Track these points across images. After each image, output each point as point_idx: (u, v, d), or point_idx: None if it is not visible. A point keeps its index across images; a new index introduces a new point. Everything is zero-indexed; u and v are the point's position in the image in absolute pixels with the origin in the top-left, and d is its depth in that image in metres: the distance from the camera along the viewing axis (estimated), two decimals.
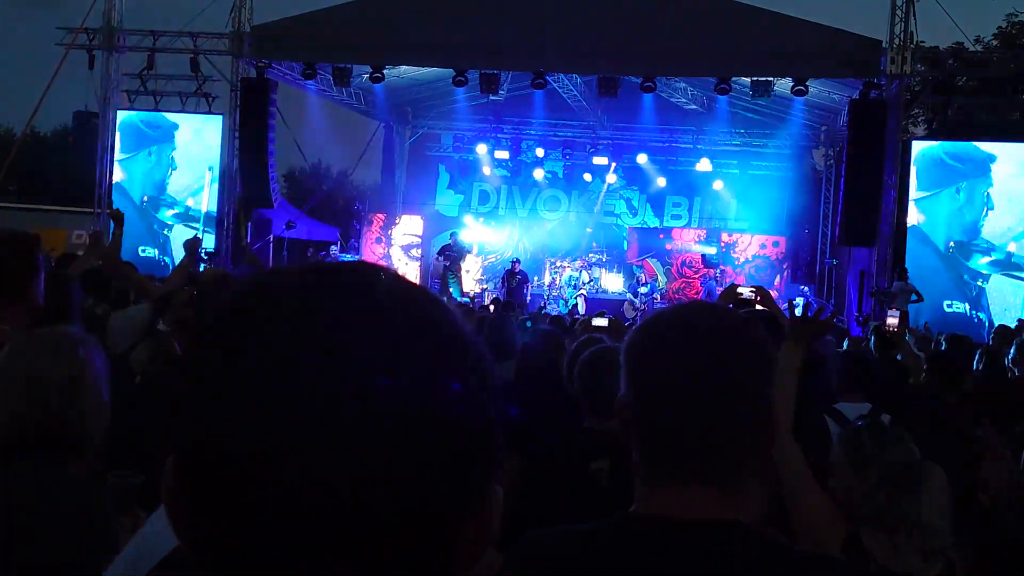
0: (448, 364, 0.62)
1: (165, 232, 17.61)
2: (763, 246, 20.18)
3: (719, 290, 17.93)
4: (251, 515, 0.57)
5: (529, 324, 7.52)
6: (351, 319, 0.60)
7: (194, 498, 0.59)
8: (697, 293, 19.47)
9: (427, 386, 0.59)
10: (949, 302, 15.00)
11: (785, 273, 19.80)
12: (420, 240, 20.87)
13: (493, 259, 21.71)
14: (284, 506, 0.56)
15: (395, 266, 19.26)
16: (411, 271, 19.99)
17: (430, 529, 0.60)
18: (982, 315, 14.81)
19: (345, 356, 0.58)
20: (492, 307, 13.46)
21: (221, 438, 0.57)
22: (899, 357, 6.54)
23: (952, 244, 15.00)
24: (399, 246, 20.93)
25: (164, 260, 17.17)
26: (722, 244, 20.18)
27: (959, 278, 14.94)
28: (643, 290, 18.74)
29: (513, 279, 18.11)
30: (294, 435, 0.56)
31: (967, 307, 14.92)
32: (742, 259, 20.13)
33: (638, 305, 18.14)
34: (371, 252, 20.72)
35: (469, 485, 0.62)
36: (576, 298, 18.64)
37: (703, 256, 20.49)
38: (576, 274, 20.00)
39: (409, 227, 21.21)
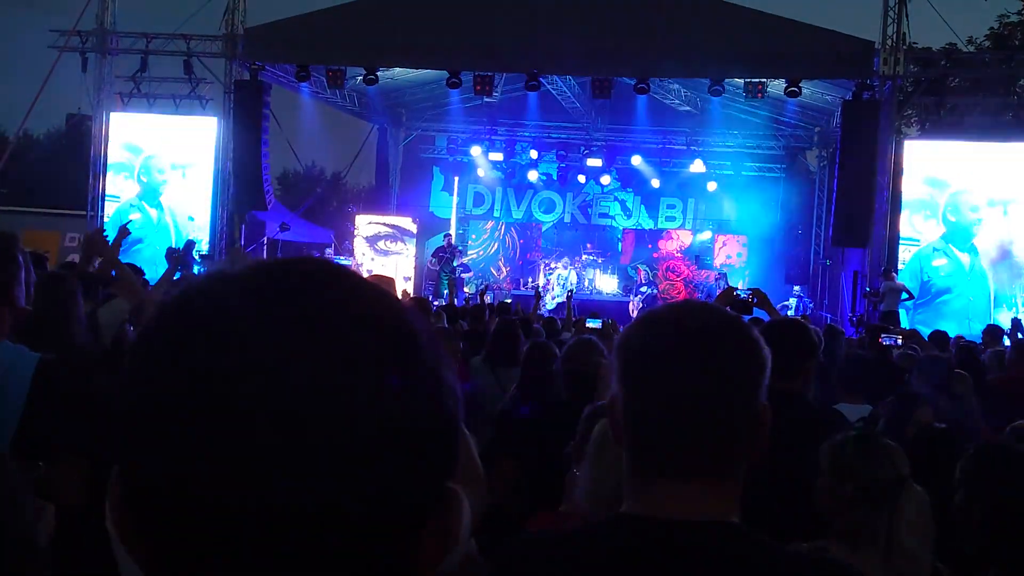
0: (402, 362, 0.61)
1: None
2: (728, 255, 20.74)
3: (718, 292, 18.10)
4: (216, 533, 0.56)
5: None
6: (300, 325, 0.59)
7: (150, 519, 0.59)
8: (680, 294, 19.84)
9: (386, 387, 0.59)
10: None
11: (745, 277, 20.02)
12: (393, 232, 20.54)
13: (474, 255, 21.76)
14: (250, 521, 0.56)
15: (359, 260, 19.19)
16: (378, 265, 19.36)
17: (395, 530, 0.60)
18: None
19: (298, 364, 0.57)
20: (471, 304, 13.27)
21: (179, 458, 0.56)
22: (894, 357, 6.56)
23: None
24: (363, 237, 20.29)
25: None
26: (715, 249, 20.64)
27: None
28: (644, 289, 19.09)
29: (448, 252, 18.48)
30: (254, 449, 0.56)
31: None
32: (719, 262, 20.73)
33: (638, 305, 18.42)
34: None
35: (430, 483, 0.62)
36: (558, 297, 18.82)
37: (696, 257, 20.76)
38: (565, 273, 20.09)
39: (379, 218, 20.77)
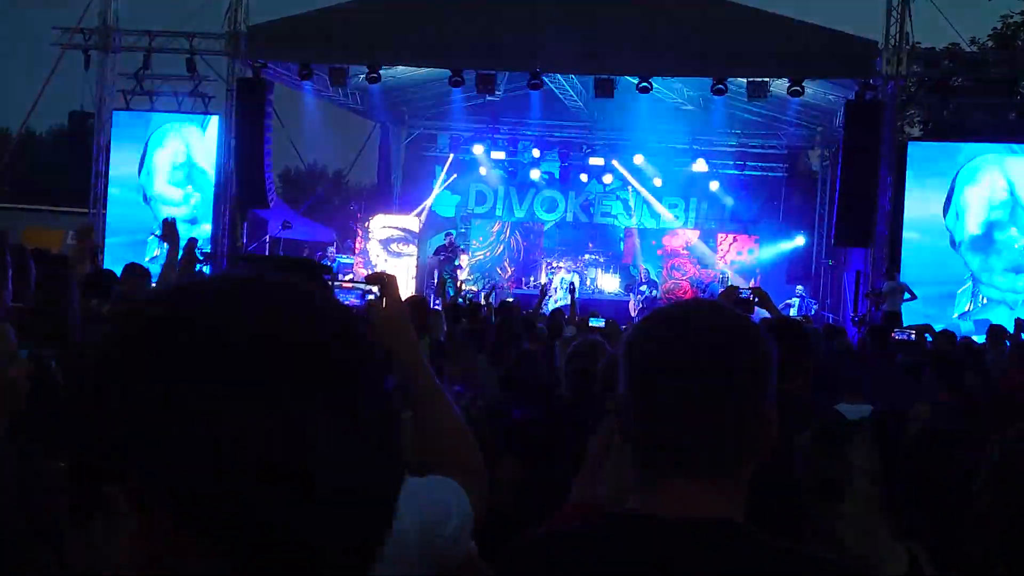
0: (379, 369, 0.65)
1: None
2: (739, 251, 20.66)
3: (720, 291, 18.13)
4: (250, 547, 0.59)
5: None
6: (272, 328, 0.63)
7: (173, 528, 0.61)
8: (685, 293, 19.85)
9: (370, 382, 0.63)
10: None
11: (757, 276, 19.98)
12: (404, 235, 20.60)
13: (481, 256, 21.74)
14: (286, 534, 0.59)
15: (373, 262, 19.22)
16: (391, 267, 19.48)
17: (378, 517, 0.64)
18: None
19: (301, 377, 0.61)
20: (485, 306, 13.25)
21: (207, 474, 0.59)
22: (899, 357, 6.56)
23: None
24: (377, 240, 20.34)
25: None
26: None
27: None
28: (643, 288, 19.09)
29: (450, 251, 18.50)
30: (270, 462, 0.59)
31: None
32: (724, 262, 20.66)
33: (637, 304, 18.43)
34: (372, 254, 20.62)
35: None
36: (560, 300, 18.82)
37: (698, 258, 20.77)
38: (568, 276, 20.10)
39: (391, 220, 20.86)
